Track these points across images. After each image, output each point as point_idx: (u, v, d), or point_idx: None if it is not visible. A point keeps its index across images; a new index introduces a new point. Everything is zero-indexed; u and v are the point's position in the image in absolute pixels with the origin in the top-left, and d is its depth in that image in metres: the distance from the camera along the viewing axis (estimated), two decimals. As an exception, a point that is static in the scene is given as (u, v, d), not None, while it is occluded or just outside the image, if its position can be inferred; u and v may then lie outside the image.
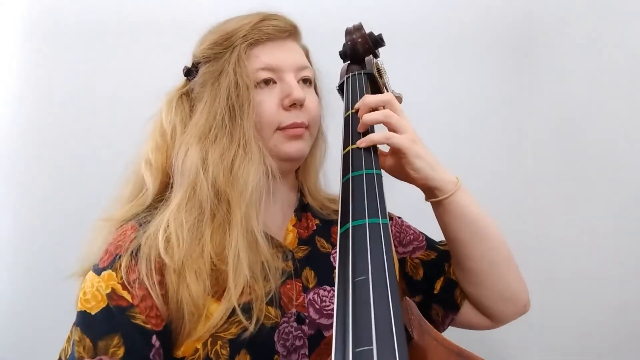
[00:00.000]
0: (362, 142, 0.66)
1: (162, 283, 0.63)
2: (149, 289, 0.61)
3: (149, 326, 0.61)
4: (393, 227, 0.83)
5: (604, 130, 1.18)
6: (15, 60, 1.12)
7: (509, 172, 1.20)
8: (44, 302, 1.05)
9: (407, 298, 0.55)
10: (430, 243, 0.83)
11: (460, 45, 1.21)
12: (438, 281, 0.78)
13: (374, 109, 0.70)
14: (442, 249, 0.81)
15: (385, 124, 0.68)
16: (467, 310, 0.77)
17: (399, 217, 0.86)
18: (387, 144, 0.67)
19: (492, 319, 0.76)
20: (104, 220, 0.72)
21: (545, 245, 1.16)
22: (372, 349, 0.42)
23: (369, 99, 0.69)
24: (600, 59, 1.18)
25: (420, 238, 0.83)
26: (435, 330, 0.53)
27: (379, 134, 0.67)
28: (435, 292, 0.78)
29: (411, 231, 0.84)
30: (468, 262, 0.72)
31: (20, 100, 1.11)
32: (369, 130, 0.69)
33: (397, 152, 0.68)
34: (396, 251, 0.81)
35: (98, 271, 0.64)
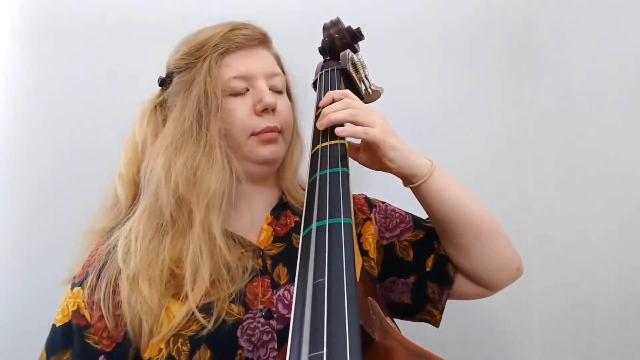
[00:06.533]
0: (342, 132, 0.67)
1: (118, 304, 0.65)
2: (104, 311, 0.64)
3: (99, 347, 0.64)
4: (378, 214, 0.83)
5: (606, 132, 1.15)
6: (11, 61, 1.12)
7: (509, 173, 1.18)
8: (41, 309, 1.06)
9: (370, 298, 0.55)
10: (417, 222, 0.83)
11: (460, 47, 1.18)
12: (429, 259, 0.79)
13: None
14: (430, 226, 0.81)
15: (354, 123, 0.68)
16: (461, 282, 0.79)
17: (383, 202, 0.86)
18: (365, 139, 0.68)
19: (488, 287, 0.78)
20: (86, 232, 0.75)
21: (547, 247, 1.14)
22: (322, 354, 0.42)
23: (326, 99, 0.72)
24: (602, 62, 1.15)
25: (407, 219, 0.83)
26: (396, 330, 0.52)
27: (358, 128, 0.68)
28: (428, 269, 0.79)
29: (397, 214, 0.84)
30: (454, 238, 0.74)
31: (15, 101, 1.11)
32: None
33: (371, 146, 0.69)
34: (384, 237, 0.81)
35: (73, 286, 0.67)
